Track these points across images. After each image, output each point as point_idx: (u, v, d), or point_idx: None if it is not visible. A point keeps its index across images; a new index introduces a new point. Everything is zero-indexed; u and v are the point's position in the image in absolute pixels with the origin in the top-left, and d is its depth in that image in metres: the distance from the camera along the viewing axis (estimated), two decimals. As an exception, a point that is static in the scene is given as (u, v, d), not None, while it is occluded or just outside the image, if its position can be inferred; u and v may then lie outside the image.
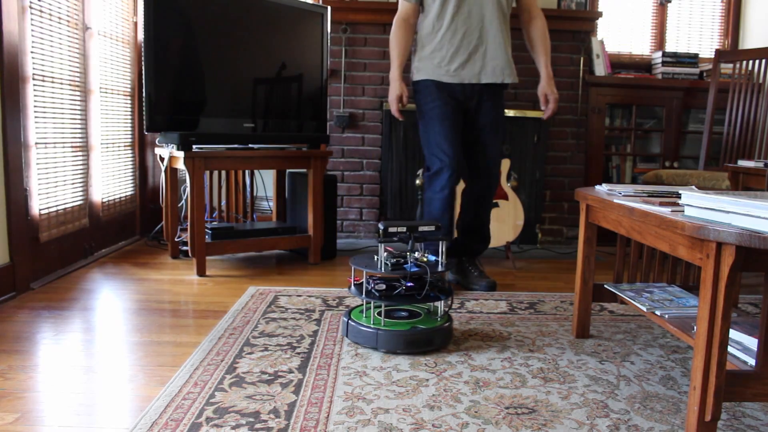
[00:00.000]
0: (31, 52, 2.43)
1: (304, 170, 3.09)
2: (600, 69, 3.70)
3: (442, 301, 1.95)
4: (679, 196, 1.56)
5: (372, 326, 1.85)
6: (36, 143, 2.47)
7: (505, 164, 3.14)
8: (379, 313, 1.94)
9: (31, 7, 2.41)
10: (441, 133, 2.48)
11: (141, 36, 3.12)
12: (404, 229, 1.96)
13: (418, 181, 3.30)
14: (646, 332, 2.08)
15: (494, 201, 3.09)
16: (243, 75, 2.91)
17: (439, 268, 1.93)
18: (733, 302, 2.07)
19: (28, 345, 1.84)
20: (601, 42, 3.74)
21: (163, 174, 2.96)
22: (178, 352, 1.81)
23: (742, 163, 2.92)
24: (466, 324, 2.13)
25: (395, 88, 2.52)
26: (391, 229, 1.95)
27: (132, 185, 3.48)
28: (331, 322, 2.11)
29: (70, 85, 2.74)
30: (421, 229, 1.96)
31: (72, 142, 2.78)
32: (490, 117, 2.55)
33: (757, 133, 3.16)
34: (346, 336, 1.92)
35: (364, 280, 1.94)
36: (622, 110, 3.88)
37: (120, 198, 3.32)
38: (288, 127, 3.09)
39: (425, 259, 1.99)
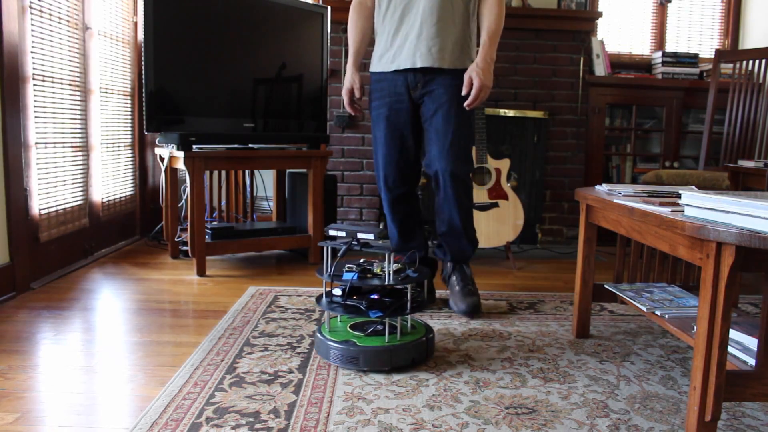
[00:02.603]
0: (31, 52, 2.43)
1: (304, 170, 3.09)
2: (600, 69, 3.70)
3: (385, 316, 1.71)
4: (679, 196, 1.56)
5: (319, 332, 1.79)
6: (36, 143, 2.47)
7: (505, 164, 3.14)
8: (355, 325, 1.84)
9: (31, 7, 2.41)
10: (378, 142, 2.21)
11: (141, 36, 3.12)
12: (344, 234, 1.80)
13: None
14: (646, 332, 2.08)
15: (494, 201, 3.09)
16: (243, 75, 2.91)
17: (389, 281, 1.74)
18: (733, 302, 2.07)
19: (28, 345, 1.84)
20: (601, 42, 3.74)
21: (163, 174, 2.96)
22: (178, 352, 1.81)
23: (742, 163, 2.92)
24: (466, 324, 2.13)
25: (346, 79, 2.25)
26: (332, 232, 1.82)
27: (132, 185, 3.48)
28: (331, 322, 2.11)
29: (70, 85, 2.74)
30: (360, 236, 1.78)
31: (72, 142, 2.78)
32: (433, 109, 2.13)
33: (757, 133, 3.16)
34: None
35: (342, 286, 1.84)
36: (622, 110, 3.88)
37: (120, 198, 3.32)
38: (288, 127, 3.09)
39: (380, 270, 1.81)
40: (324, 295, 1.81)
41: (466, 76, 2.05)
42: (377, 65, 2.22)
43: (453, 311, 2.24)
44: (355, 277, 1.75)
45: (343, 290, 1.78)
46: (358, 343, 1.69)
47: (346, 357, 1.68)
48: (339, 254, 1.77)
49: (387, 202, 2.26)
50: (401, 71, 2.14)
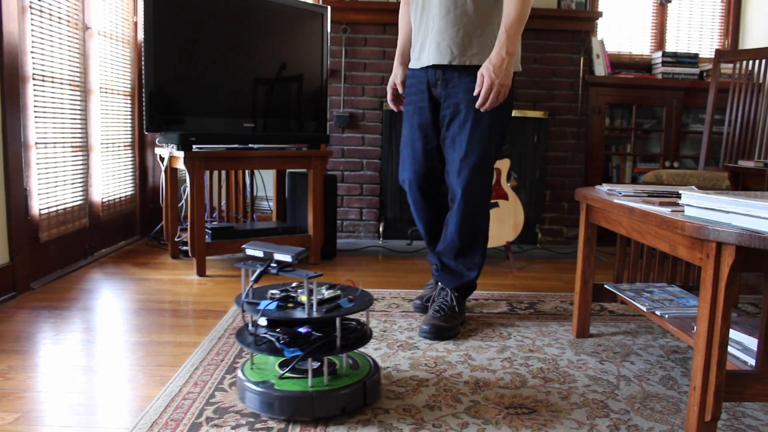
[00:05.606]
0: (31, 52, 2.43)
1: (304, 170, 3.09)
2: (600, 69, 3.70)
3: (303, 356, 1.38)
4: (679, 196, 1.56)
5: (241, 369, 1.50)
6: (36, 143, 2.47)
7: (505, 164, 3.14)
8: (287, 361, 1.50)
9: (31, 7, 2.41)
10: (402, 141, 2.13)
11: (141, 36, 3.12)
12: (261, 254, 1.50)
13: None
14: (646, 332, 2.08)
15: (494, 201, 3.09)
16: (243, 75, 2.91)
17: (310, 312, 1.39)
18: (733, 302, 2.07)
19: (28, 345, 1.84)
20: (601, 42, 3.74)
21: (163, 174, 2.96)
22: (178, 352, 1.81)
23: (742, 163, 2.92)
24: (467, 324, 2.13)
25: (392, 74, 2.21)
26: (248, 252, 1.52)
27: (132, 185, 3.48)
28: (331, 322, 2.11)
29: (70, 85, 2.74)
30: (277, 257, 1.45)
31: (72, 142, 2.78)
32: (449, 115, 1.98)
33: (757, 133, 3.16)
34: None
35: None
36: (622, 110, 3.88)
37: (120, 198, 3.32)
38: (288, 127, 3.09)
39: (304, 299, 1.45)
40: (246, 326, 1.50)
41: (478, 74, 1.85)
42: (412, 60, 2.12)
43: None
44: (272, 307, 1.43)
45: (269, 321, 1.45)
46: (276, 386, 1.39)
47: (261, 402, 1.39)
48: (252, 279, 1.47)
49: (411, 204, 2.15)
50: (424, 68, 2.02)
